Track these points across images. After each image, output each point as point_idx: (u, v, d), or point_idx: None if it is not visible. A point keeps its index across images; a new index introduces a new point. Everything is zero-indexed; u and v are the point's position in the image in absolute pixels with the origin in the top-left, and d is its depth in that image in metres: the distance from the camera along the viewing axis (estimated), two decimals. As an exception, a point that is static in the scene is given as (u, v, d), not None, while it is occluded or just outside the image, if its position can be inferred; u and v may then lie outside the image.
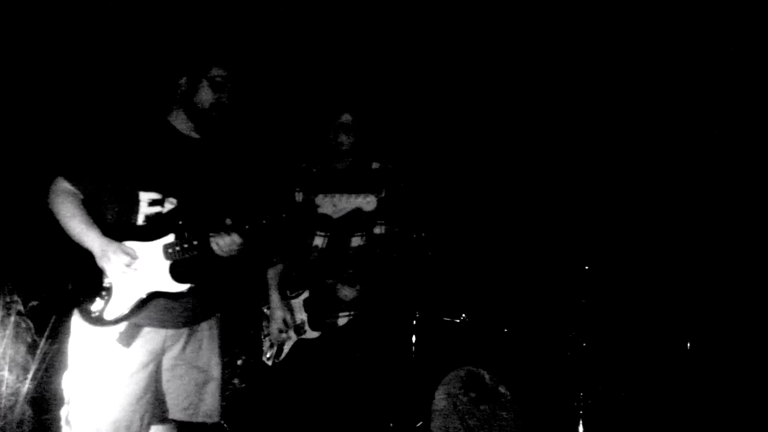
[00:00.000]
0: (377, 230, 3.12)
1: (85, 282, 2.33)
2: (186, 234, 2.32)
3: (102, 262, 2.26)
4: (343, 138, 3.12)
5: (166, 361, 2.40)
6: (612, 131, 4.43)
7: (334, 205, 2.49)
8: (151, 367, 2.34)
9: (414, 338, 4.01)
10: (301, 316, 3.09)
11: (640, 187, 4.40)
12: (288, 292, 3.16)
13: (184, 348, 2.41)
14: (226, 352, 3.64)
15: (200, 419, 2.45)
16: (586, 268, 4.05)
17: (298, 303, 3.13)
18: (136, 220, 2.36)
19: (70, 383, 2.33)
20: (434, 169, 4.49)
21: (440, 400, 3.93)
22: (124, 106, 3.76)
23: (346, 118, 3.15)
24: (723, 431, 3.89)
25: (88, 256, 2.30)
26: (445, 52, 4.37)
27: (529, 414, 3.63)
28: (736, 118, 4.19)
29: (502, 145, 4.57)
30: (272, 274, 3.18)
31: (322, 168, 3.19)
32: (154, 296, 2.33)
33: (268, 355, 3.16)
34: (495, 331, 4.04)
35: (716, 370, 4.09)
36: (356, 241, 3.12)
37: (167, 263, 2.33)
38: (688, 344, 3.98)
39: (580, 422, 3.87)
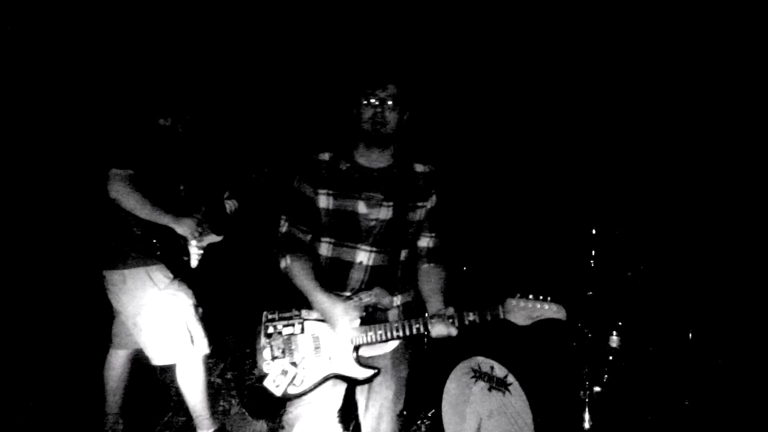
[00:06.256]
0: (423, 243, 2.80)
1: None
2: None
3: None
4: (388, 114, 2.54)
5: None
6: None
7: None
8: None
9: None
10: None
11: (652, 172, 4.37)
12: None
13: None
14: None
15: None
16: (591, 264, 4.08)
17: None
18: None
19: None
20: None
21: (451, 389, 3.93)
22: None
23: (392, 90, 2.57)
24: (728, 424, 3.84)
25: None
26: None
27: (538, 402, 3.55)
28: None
29: (499, 141, 4.49)
30: (300, 272, 2.66)
31: (353, 167, 2.66)
32: None
33: (277, 383, 2.64)
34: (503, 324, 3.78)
35: (711, 362, 4.06)
36: (404, 254, 2.77)
37: None
38: (690, 335, 3.97)
39: (586, 410, 3.89)
